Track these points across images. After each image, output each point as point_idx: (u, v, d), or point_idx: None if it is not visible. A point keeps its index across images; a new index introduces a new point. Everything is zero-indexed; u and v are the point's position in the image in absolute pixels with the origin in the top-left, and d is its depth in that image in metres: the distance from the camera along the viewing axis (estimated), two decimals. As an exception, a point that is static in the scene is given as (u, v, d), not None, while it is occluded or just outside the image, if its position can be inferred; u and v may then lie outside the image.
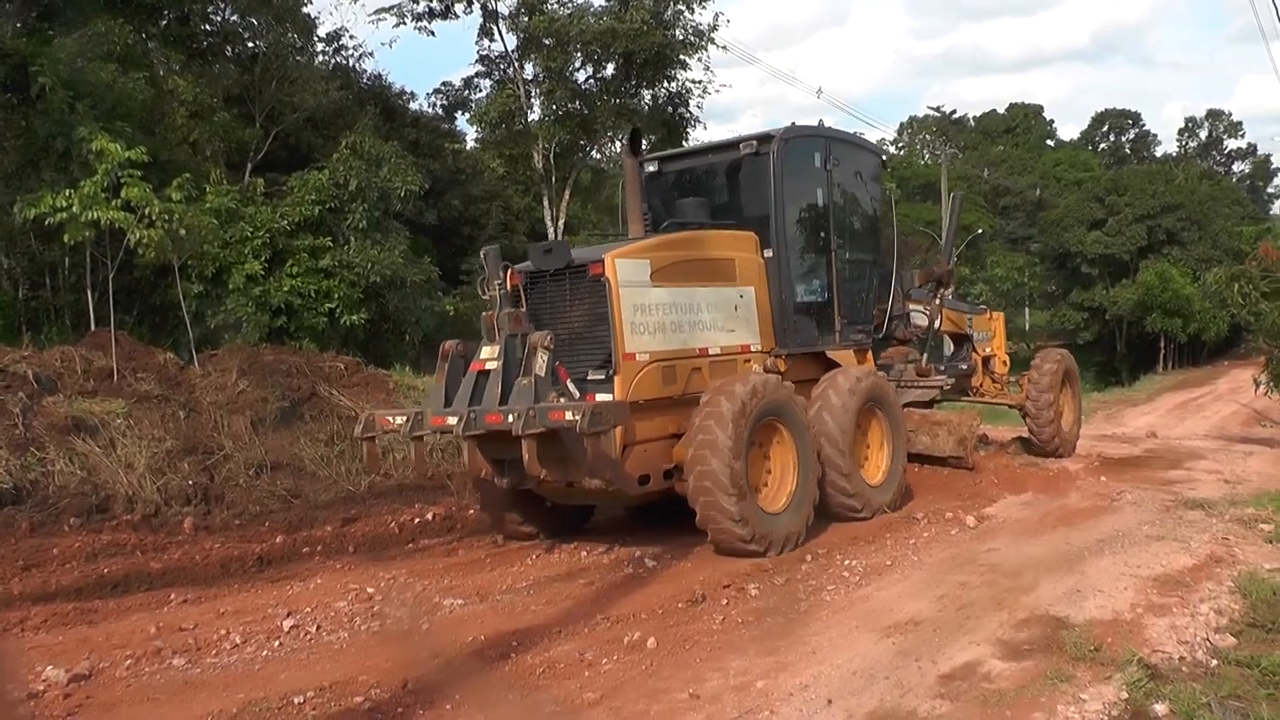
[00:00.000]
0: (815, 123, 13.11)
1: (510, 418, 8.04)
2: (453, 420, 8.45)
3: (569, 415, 7.92)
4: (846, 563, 8.43)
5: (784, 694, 5.36)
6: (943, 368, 14.19)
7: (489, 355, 8.84)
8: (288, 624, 7.07)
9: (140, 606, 7.95)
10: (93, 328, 14.99)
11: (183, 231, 14.63)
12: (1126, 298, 62.00)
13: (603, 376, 8.90)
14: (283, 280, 18.85)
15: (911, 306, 12.93)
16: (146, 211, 14.08)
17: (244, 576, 9.12)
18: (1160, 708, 4.96)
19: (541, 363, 8.45)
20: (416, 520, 11.61)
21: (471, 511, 12.14)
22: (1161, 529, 9.31)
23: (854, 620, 6.74)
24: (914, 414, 12.48)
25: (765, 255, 10.50)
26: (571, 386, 8.67)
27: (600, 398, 8.63)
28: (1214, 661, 5.61)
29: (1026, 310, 67.95)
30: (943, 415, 12.96)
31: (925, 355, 13.59)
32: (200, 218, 15.71)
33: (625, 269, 8.99)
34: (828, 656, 5.94)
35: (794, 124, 11.14)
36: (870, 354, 12.04)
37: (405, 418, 8.86)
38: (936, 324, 13.24)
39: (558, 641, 6.46)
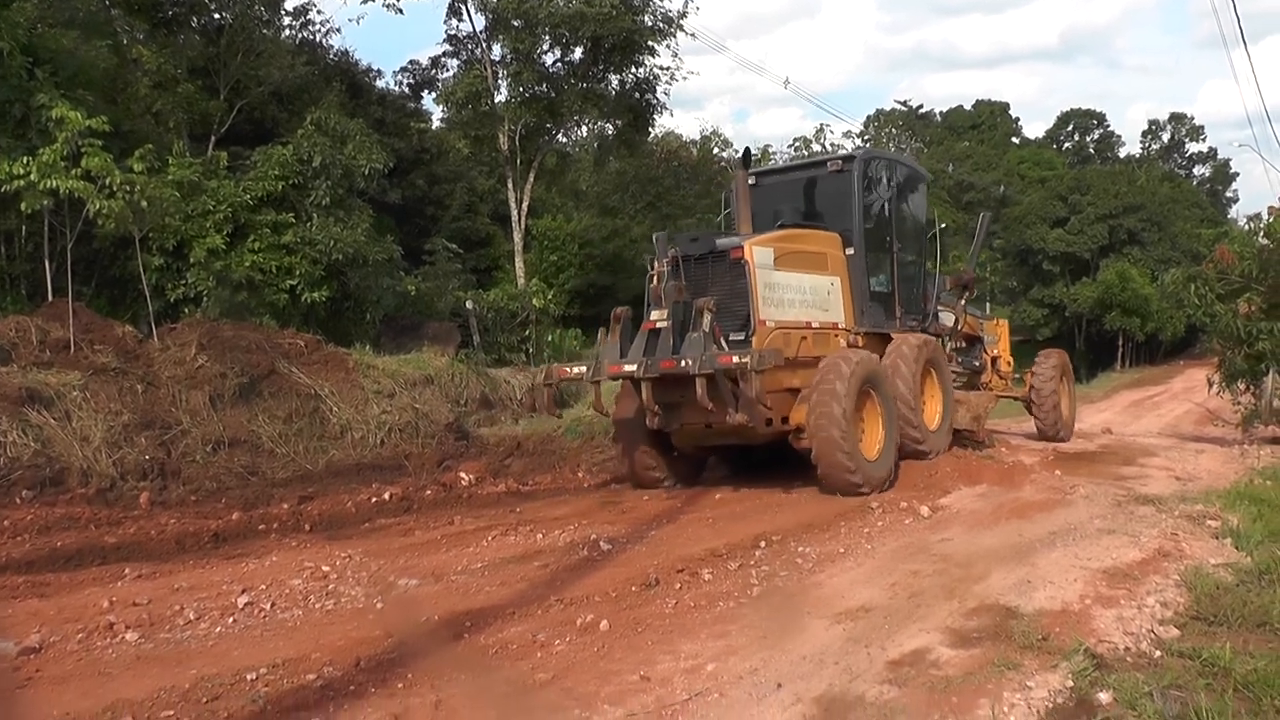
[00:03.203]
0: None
1: (684, 363, 10.30)
2: (630, 368, 10.87)
3: (736, 359, 10.15)
4: (800, 549, 8.48)
5: (734, 677, 5.40)
6: (960, 360, 15.86)
7: (659, 317, 11.09)
8: (242, 601, 7.03)
9: (93, 581, 7.89)
10: (50, 298, 14.83)
11: (144, 203, 14.52)
12: (1086, 295, 62.69)
13: (742, 337, 11.13)
14: (244, 255, 18.69)
15: (939, 307, 14.78)
16: (107, 182, 13.95)
17: (199, 552, 9.08)
18: (1104, 696, 5.03)
19: (707, 321, 10.50)
20: (373, 500, 11.61)
21: (428, 492, 12.15)
22: (1112, 523, 9.41)
23: (805, 606, 6.78)
24: None
25: (847, 253, 12.81)
26: (724, 343, 10.69)
27: None
28: (1158, 652, 5.69)
29: (987, 305, 68.47)
30: (962, 395, 14.76)
31: (950, 346, 15.17)
32: (162, 190, 15.57)
33: (759, 254, 11.30)
34: (778, 641, 5.98)
35: (869, 148, 14.43)
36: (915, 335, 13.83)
37: (586, 367, 11.51)
38: (960, 324, 15.37)
39: (511, 622, 6.46)
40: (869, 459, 11.29)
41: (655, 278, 11.30)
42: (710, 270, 11.52)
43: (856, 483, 10.93)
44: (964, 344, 16.16)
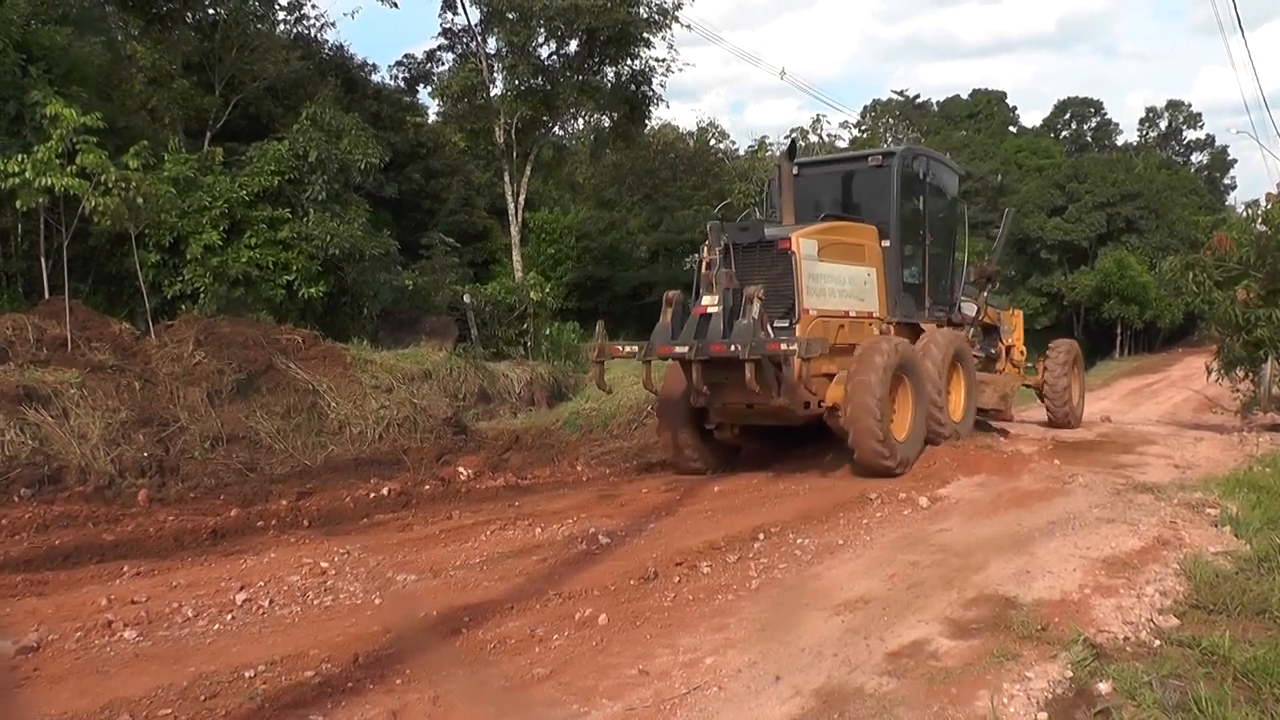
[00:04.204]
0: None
1: (733, 347, 10.74)
2: (680, 349, 11.31)
3: (785, 346, 10.77)
4: (799, 541, 8.48)
5: (732, 670, 5.40)
6: (978, 348, 16.26)
7: (710, 302, 11.45)
8: (240, 597, 7.03)
9: (91, 578, 7.87)
10: (46, 296, 14.80)
11: (140, 200, 14.50)
12: (1085, 284, 62.64)
13: (786, 324, 11.66)
14: (241, 251, 18.65)
15: (962, 297, 15.57)
16: (102, 179, 13.92)
17: (197, 549, 9.06)
18: (1104, 686, 5.03)
19: (756, 308, 10.92)
20: (371, 495, 11.60)
21: (427, 487, 12.14)
22: (1111, 512, 9.41)
23: (804, 598, 6.78)
24: None
25: (883, 245, 13.40)
26: (770, 329, 11.14)
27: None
28: (1157, 642, 5.70)
29: (985, 294, 68.37)
30: (988, 376, 15.73)
31: (970, 333, 15.60)
32: (158, 186, 15.53)
33: (805, 246, 11.89)
34: (777, 634, 5.97)
35: (909, 145, 14.14)
36: (944, 329, 14.63)
37: (637, 347, 11.89)
38: (981, 314, 15.97)
39: (509, 617, 6.46)
40: (900, 440, 11.87)
41: (706, 265, 11.73)
42: (758, 259, 12.01)
43: (883, 455, 11.49)
44: (981, 333, 16.56)
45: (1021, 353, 17.67)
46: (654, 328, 11.97)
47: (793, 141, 15.71)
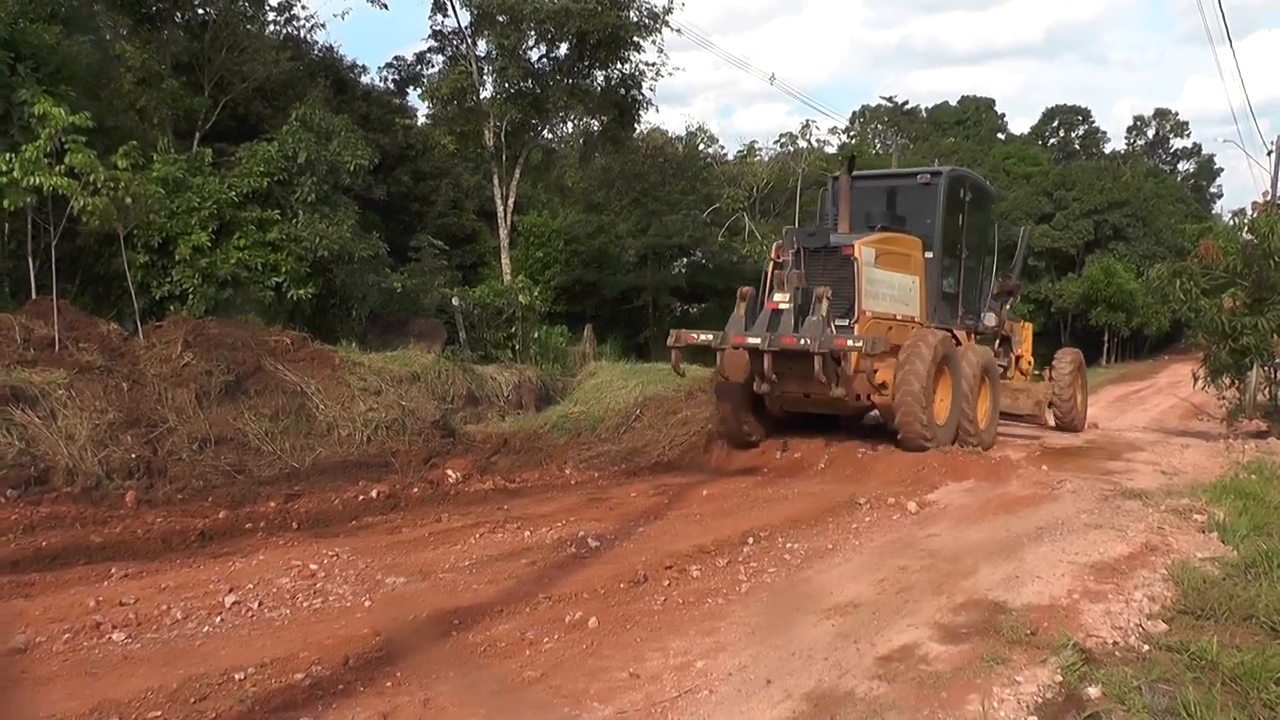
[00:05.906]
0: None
1: (804, 341, 11.99)
2: (753, 340, 12.48)
3: (850, 342, 12.08)
4: (788, 545, 8.49)
5: (723, 674, 5.40)
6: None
7: (782, 298, 12.78)
8: (229, 600, 7.00)
9: (79, 580, 7.81)
10: (33, 296, 14.69)
11: (128, 200, 14.41)
12: (1072, 291, 62.89)
13: (845, 323, 12.82)
14: (229, 252, 18.56)
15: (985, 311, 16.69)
16: (91, 178, 13.83)
17: (186, 551, 9.02)
18: (1093, 690, 5.06)
19: (824, 307, 12.23)
20: (360, 497, 11.57)
21: (415, 489, 12.12)
22: (1099, 518, 9.45)
23: (794, 602, 6.79)
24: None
25: (926, 256, 14.57)
26: (832, 327, 12.33)
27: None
28: (1146, 646, 5.73)
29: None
30: (1022, 384, 17.57)
31: (995, 344, 17.20)
32: (147, 186, 15.45)
33: (865, 253, 13.09)
34: (767, 637, 5.98)
35: (954, 167, 15.74)
36: (971, 336, 15.95)
37: (711, 336, 13.10)
38: (1001, 326, 17.10)
39: (499, 620, 6.45)
40: (938, 422, 13.16)
41: (775, 265, 13.08)
42: (822, 262, 13.09)
43: (925, 435, 12.84)
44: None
45: (1029, 362, 18.65)
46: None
47: (851, 156, 16.98)
